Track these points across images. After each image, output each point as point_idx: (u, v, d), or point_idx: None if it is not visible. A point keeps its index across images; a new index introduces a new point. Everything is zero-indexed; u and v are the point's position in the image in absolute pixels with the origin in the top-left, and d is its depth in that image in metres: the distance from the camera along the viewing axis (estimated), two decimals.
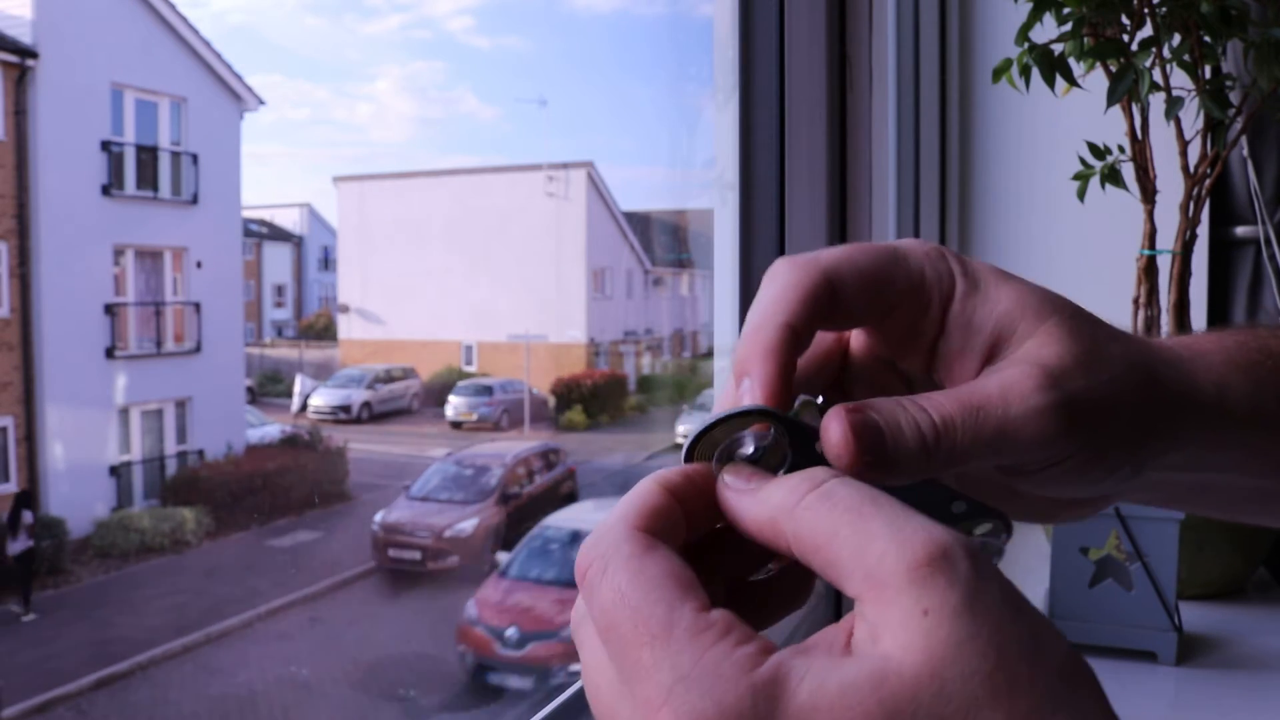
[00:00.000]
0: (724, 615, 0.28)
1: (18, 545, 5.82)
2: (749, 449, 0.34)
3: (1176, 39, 1.20)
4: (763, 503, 0.31)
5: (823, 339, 0.39)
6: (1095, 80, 1.23)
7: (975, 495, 0.37)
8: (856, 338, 0.40)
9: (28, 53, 6.14)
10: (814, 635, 0.29)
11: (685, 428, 11.20)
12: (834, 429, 0.33)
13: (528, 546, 7.07)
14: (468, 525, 7.62)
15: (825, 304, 0.35)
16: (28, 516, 5.96)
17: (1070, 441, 0.35)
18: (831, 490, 0.30)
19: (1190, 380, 0.38)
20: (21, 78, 6.13)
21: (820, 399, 0.38)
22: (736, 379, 0.35)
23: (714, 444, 0.34)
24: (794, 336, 0.35)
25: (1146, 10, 1.18)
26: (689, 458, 0.34)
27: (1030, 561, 1.40)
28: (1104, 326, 0.38)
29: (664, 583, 0.29)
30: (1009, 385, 0.34)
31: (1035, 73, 1.21)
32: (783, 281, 0.35)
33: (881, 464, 0.33)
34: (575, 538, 6.89)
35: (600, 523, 0.32)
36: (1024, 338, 0.36)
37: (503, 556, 7.13)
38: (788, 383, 0.34)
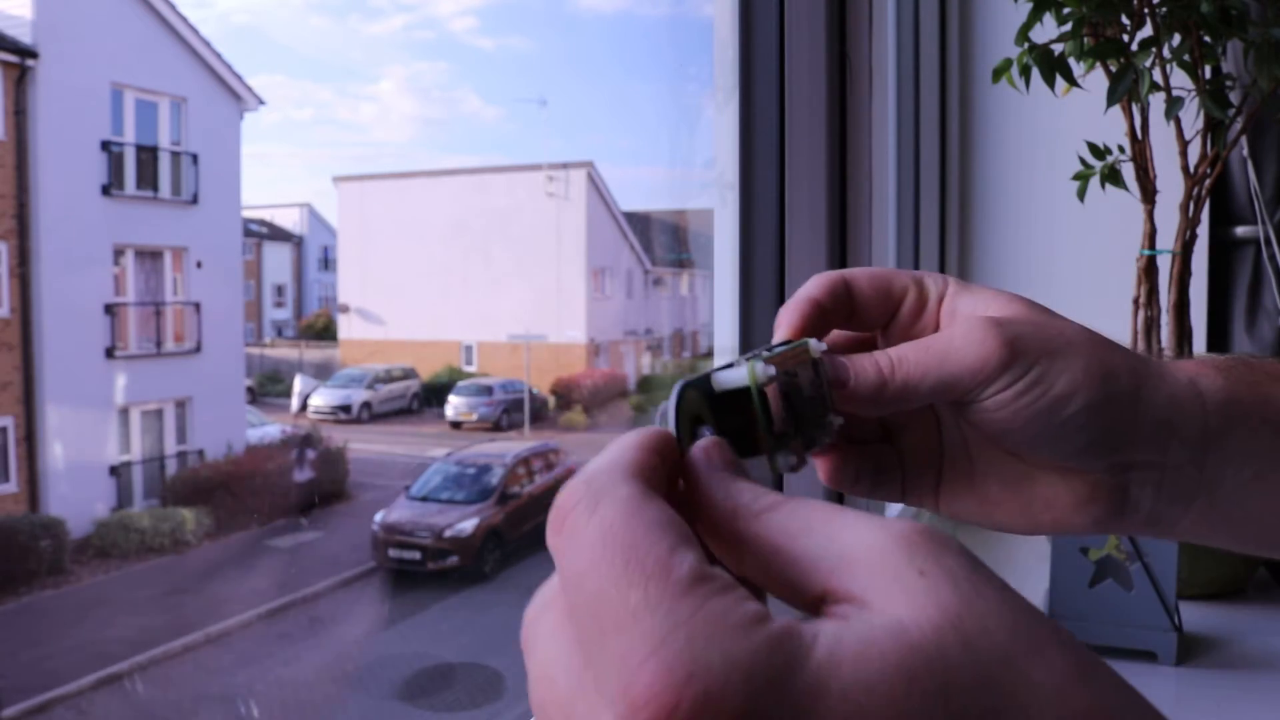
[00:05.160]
0: (727, 574, 0.25)
1: (303, 474, 7.86)
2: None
3: (1176, 39, 1.20)
4: (730, 495, 0.29)
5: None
6: (1095, 80, 1.23)
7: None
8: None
9: (28, 53, 6.13)
10: None
11: None
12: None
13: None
14: (468, 525, 7.61)
15: (842, 292, 0.44)
16: (310, 454, 8.18)
17: (1011, 365, 0.40)
18: (801, 500, 0.29)
19: (1160, 370, 0.43)
20: (21, 78, 6.13)
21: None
22: (774, 332, 0.44)
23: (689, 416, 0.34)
24: (816, 307, 0.43)
25: (1146, 10, 1.18)
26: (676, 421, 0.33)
27: (1030, 561, 1.40)
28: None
29: (667, 526, 0.26)
30: (956, 327, 0.42)
31: (1035, 73, 1.21)
32: (810, 281, 0.45)
33: (854, 391, 0.41)
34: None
35: (587, 468, 0.29)
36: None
37: None
38: (807, 325, 0.43)
